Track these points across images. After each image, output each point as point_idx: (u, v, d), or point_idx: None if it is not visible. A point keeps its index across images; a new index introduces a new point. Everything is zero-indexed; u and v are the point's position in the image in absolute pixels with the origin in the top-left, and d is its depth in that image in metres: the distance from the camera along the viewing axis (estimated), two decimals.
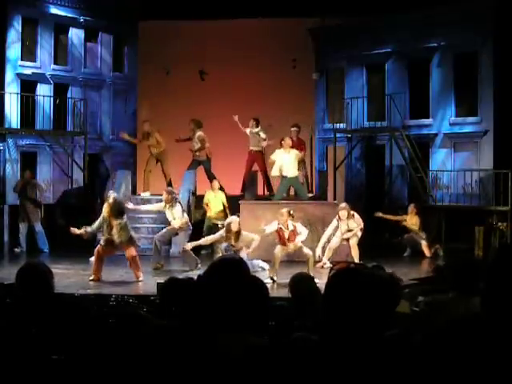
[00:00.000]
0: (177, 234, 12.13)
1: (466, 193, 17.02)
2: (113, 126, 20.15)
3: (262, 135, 14.91)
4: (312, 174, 16.70)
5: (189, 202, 14.86)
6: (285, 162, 13.35)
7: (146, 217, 14.85)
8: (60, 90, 18.96)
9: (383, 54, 19.25)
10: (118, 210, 10.22)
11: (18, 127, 17.89)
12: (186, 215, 12.20)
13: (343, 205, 12.40)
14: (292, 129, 14.80)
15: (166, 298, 3.82)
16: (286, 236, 10.72)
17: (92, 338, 3.11)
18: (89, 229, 10.43)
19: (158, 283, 5.55)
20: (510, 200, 15.12)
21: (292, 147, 13.92)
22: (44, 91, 18.55)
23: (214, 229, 13.56)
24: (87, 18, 19.44)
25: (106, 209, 10.27)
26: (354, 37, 19.27)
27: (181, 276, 4.60)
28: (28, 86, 18.29)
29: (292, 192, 14.77)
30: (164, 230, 12.31)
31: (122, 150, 19.99)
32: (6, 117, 17.55)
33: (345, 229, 11.96)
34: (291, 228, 10.75)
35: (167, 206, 11.84)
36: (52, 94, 18.71)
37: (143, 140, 15.49)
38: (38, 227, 14.77)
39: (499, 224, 14.84)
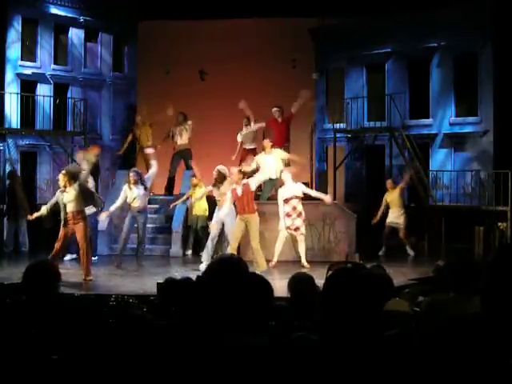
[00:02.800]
0: (135, 219, 11.98)
1: (466, 193, 17.01)
2: (113, 126, 20.15)
3: (253, 126, 15.07)
4: (312, 173, 16.69)
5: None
6: (268, 164, 13.31)
7: None
8: (60, 90, 18.94)
9: (383, 53, 19.24)
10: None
11: (18, 127, 17.87)
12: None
13: (288, 168, 12.60)
14: (274, 109, 14.79)
15: (165, 297, 3.82)
16: (239, 194, 10.83)
17: (92, 338, 3.11)
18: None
19: (158, 283, 5.55)
20: (510, 200, 15.12)
21: (281, 124, 14.30)
22: (44, 91, 18.54)
23: (202, 231, 13.59)
24: (87, 18, 19.43)
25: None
26: (354, 37, 19.26)
27: (179, 276, 4.60)
28: (28, 86, 18.27)
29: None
30: (126, 225, 12.08)
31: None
32: (6, 117, 17.54)
33: (288, 195, 11.80)
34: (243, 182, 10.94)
35: (135, 186, 11.81)
36: (52, 94, 18.69)
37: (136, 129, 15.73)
38: (24, 226, 14.85)
39: (499, 224, 14.85)
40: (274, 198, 13.77)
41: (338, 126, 18.77)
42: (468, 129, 17.97)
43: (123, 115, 20.29)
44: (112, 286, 10.11)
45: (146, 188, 11.95)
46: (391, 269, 11.39)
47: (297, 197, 11.80)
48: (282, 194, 11.90)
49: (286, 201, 11.78)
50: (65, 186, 10.24)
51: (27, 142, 18.25)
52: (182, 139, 15.49)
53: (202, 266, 11.27)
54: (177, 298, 3.55)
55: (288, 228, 11.78)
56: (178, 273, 10.93)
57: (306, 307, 3.90)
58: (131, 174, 11.93)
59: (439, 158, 18.44)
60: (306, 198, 13.07)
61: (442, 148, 18.46)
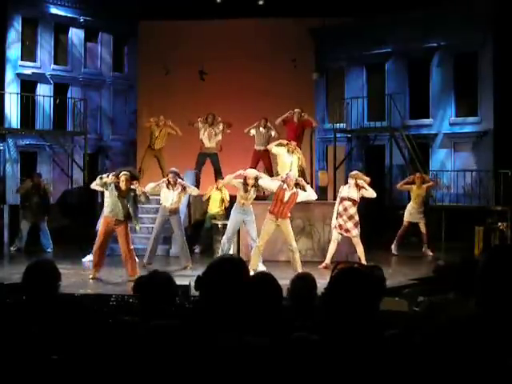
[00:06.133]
0: (168, 219, 11.82)
1: (466, 193, 17.02)
2: (113, 126, 20.16)
3: (273, 132, 14.92)
4: (312, 173, 16.69)
5: (189, 201, 14.82)
6: (283, 161, 13.31)
7: (145, 217, 14.81)
8: (60, 90, 18.96)
9: (383, 53, 19.25)
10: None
11: (18, 127, 17.89)
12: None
13: (354, 172, 12.40)
14: (296, 110, 14.43)
15: (145, 294, 3.69)
16: (285, 199, 10.69)
17: (92, 338, 3.11)
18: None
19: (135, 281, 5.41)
20: (510, 200, 15.12)
21: (297, 125, 14.16)
22: (44, 91, 18.56)
23: (213, 229, 13.55)
24: (87, 18, 19.45)
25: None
26: (354, 37, 19.27)
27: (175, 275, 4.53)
28: (28, 85, 18.29)
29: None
30: (156, 224, 12.03)
31: (121, 150, 20.00)
32: (6, 117, 17.55)
33: (343, 194, 11.76)
34: (294, 191, 10.74)
35: (172, 187, 11.55)
36: (52, 94, 18.71)
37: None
38: (44, 226, 14.68)
39: (499, 224, 14.85)
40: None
41: (338, 126, 18.78)
42: (468, 129, 17.98)
43: (123, 115, 20.31)
44: (112, 286, 10.10)
45: (184, 188, 11.62)
46: (391, 269, 11.42)
47: (350, 199, 11.74)
48: (341, 192, 11.95)
49: (341, 200, 11.80)
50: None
51: (27, 142, 18.26)
52: (210, 142, 15.27)
53: None
54: (156, 294, 3.49)
55: (340, 227, 11.76)
56: (177, 273, 10.93)
57: (306, 307, 3.90)
58: (170, 175, 11.58)
59: (439, 158, 18.44)
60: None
61: (441, 148, 18.47)
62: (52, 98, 18.58)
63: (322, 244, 13.17)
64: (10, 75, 18.06)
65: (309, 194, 11.07)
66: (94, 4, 19.45)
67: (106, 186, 10.12)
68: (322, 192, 15.36)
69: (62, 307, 3.58)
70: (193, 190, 11.99)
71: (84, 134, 18.11)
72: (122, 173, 10.06)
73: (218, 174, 14.79)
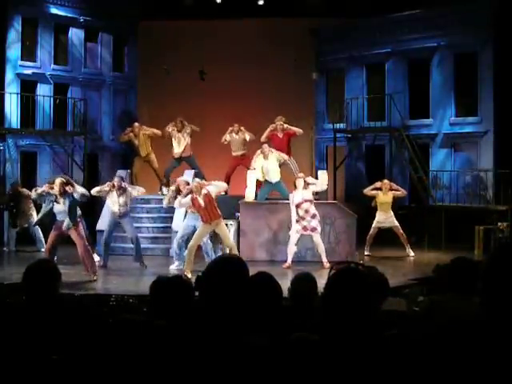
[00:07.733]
0: (119, 223, 12.11)
1: (466, 193, 17.02)
2: (113, 126, 20.15)
3: (247, 136, 14.94)
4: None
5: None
6: (266, 168, 13.43)
7: (145, 217, 14.85)
8: (60, 90, 18.94)
9: (383, 53, 19.24)
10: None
11: (18, 127, 17.87)
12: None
13: (301, 174, 12.61)
14: (278, 122, 14.22)
15: (157, 297, 3.72)
16: (202, 204, 10.96)
17: (92, 339, 3.11)
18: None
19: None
20: (510, 200, 15.12)
21: (281, 138, 14.12)
22: (44, 91, 18.54)
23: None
24: (87, 18, 19.43)
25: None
26: (354, 37, 19.27)
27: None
28: (28, 85, 18.27)
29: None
30: (107, 226, 12.30)
31: (121, 150, 19.98)
32: (6, 117, 17.54)
33: (298, 200, 11.91)
34: (204, 192, 11.05)
35: (117, 192, 11.85)
36: (52, 94, 18.69)
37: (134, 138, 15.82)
38: (32, 228, 14.75)
39: (499, 224, 14.84)
40: (269, 198, 13.87)
41: (338, 126, 18.78)
42: (468, 129, 17.97)
43: (123, 115, 20.29)
44: (112, 286, 10.11)
45: (125, 190, 11.94)
46: (391, 269, 11.42)
47: (306, 200, 11.93)
48: (293, 199, 12.05)
49: (298, 206, 11.92)
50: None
51: (27, 142, 18.25)
52: (180, 147, 15.45)
53: (173, 268, 11.68)
54: (168, 296, 3.51)
55: (305, 228, 11.88)
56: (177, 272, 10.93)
57: (306, 307, 3.90)
58: (116, 179, 12.04)
59: (439, 158, 18.44)
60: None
61: (442, 148, 18.46)
62: (52, 98, 18.56)
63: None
64: (9, 75, 18.05)
65: (217, 186, 11.42)
66: (94, 4, 19.42)
67: (42, 196, 10.50)
68: (322, 192, 15.36)
69: (62, 307, 3.58)
70: (137, 191, 12.26)
71: (84, 134, 18.11)
72: (57, 179, 10.46)
73: (199, 175, 14.87)
